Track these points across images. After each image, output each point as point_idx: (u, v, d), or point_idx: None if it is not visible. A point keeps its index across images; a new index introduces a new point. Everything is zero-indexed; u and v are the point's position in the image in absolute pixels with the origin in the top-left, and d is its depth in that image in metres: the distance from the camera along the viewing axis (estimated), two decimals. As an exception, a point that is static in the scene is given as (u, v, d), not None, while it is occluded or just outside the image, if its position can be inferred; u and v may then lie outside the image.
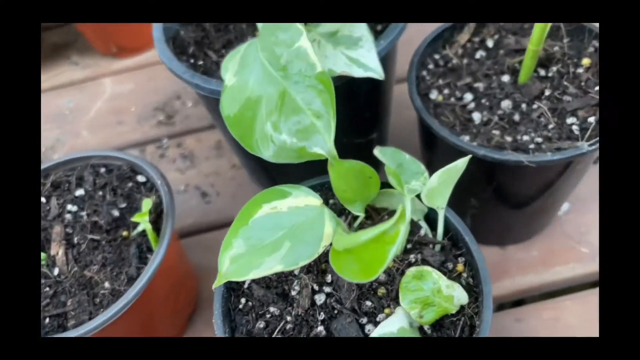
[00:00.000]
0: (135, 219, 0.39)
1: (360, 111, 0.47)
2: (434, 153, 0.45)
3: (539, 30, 0.38)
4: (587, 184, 0.52)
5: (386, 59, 0.44)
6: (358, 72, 0.39)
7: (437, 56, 0.45)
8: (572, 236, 0.51)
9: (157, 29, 0.46)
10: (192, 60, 0.46)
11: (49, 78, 0.79)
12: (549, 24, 0.38)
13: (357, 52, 0.39)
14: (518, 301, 0.50)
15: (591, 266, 0.49)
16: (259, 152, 0.35)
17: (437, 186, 0.34)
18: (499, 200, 0.44)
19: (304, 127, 0.34)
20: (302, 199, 0.29)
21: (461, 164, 0.33)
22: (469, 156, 0.33)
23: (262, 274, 0.26)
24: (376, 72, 0.38)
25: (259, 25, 0.39)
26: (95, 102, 0.74)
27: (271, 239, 0.27)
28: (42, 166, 0.46)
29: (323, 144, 0.34)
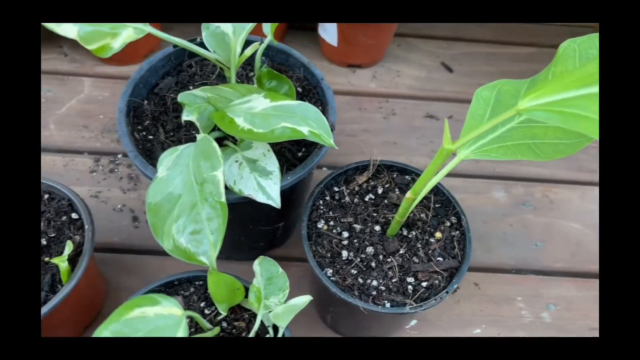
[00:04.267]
0: (54, 260, 0.48)
1: (266, 211, 0.58)
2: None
3: (404, 208, 0.49)
4: (434, 313, 0.65)
5: (299, 182, 0.54)
6: (261, 198, 0.49)
7: (336, 189, 0.56)
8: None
9: (122, 100, 0.55)
10: (144, 133, 0.55)
11: (36, 60, 0.86)
12: (415, 203, 0.49)
13: (266, 181, 0.49)
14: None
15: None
16: (161, 242, 0.45)
17: (281, 313, 0.45)
18: (350, 313, 0.56)
19: (200, 238, 0.44)
20: (167, 309, 0.39)
21: (301, 303, 0.44)
22: (310, 298, 0.44)
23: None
24: (275, 202, 0.49)
25: (198, 137, 0.48)
26: (70, 99, 0.82)
27: (132, 335, 0.37)
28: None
29: (209, 256, 0.44)
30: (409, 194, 0.47)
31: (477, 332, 0.65)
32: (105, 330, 0.37)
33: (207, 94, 0.51)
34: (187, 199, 0.46)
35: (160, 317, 0.39)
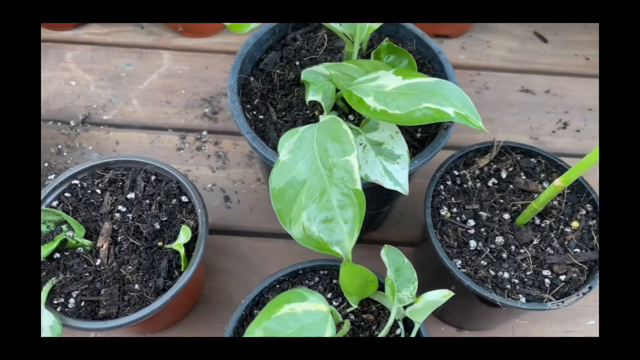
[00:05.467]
0: (173, 246, 0.47)
1: (378, 194, 0.55)
2: (432, 260, 0.52)
3: (546, 197, 0.45)
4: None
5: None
6: (388, 184, 0.46)
7: (456, 172, 0.52)
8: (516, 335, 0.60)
9: (232, 77, 0.52)
10: (254, 112, 0.52)
11: (113, 32, 0.84)
12: (559, 190, 0.45)
13: (393, 166, 0.46)
14: None
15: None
16: (289, 229, 0.43)
17: (420, 309, 0.42)
18: (468, 304, 0.53)
19: (332, 227, 0.41)
20: (314, 304, 0.37)
21: (442, 298, 0.41)
22: (451, 294, 0.41)
23: None
24: (403, 188, 0.45)
25: (321, 118, 0.45)
26: (151, 74, 0.80)
27: (284, 333, 0.35)
28: (103, 160, 0.53)
29: (343, 247, 0.41)
30: (558, 182, 0.43)
31: (590, 323, 0.61)
32: (257, 328, 0.35)
33: (329, 71, 0.47)
34: (314, 185, 0.43)
35: (308, 313, 0.37)
